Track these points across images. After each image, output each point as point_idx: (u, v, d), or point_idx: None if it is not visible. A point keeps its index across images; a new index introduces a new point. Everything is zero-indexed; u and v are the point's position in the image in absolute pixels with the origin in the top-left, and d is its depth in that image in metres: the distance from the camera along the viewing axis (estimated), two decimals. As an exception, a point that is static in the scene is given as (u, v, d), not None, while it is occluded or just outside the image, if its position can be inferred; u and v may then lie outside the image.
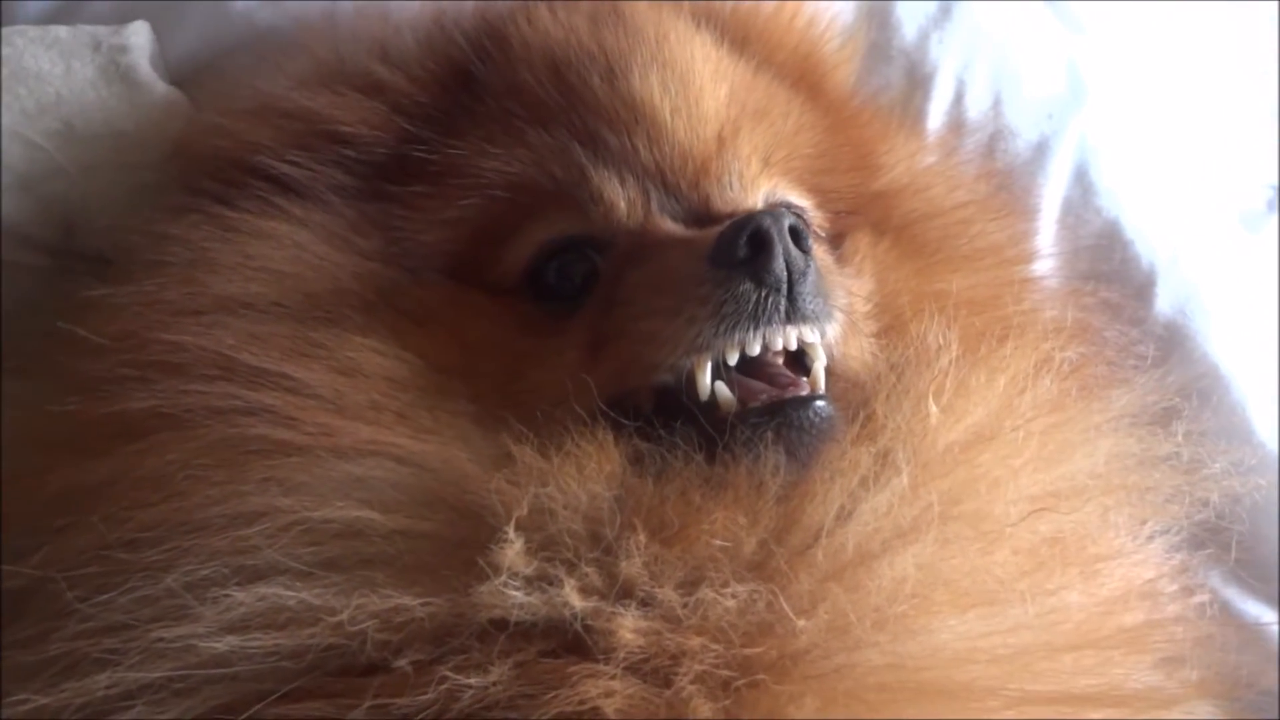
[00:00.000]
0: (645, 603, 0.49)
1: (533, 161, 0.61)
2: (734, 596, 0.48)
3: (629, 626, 0.48)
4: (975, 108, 0.85)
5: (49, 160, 0.71)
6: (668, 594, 0.49)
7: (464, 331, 0.59)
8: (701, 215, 0.60)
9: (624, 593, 0.49)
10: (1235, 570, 0.76)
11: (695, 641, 0.48)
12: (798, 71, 0.71)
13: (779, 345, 0.54)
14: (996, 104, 0.85)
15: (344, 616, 0.48)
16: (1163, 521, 0.65)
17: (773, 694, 0.48)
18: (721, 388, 0.53)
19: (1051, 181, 0.84)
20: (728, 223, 0.55)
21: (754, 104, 0.64)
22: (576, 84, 0.62)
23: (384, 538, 0.50)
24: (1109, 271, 0.82)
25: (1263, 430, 0.79)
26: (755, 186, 0.61)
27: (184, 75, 0.78)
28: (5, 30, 0.73)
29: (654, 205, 0.59)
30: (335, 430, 0.53)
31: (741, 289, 0.53)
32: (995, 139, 0.85)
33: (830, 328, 0.57)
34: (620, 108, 0.60)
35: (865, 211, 0.67)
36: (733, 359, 0.54)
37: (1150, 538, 0.64)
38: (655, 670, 0.48)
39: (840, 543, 0.51)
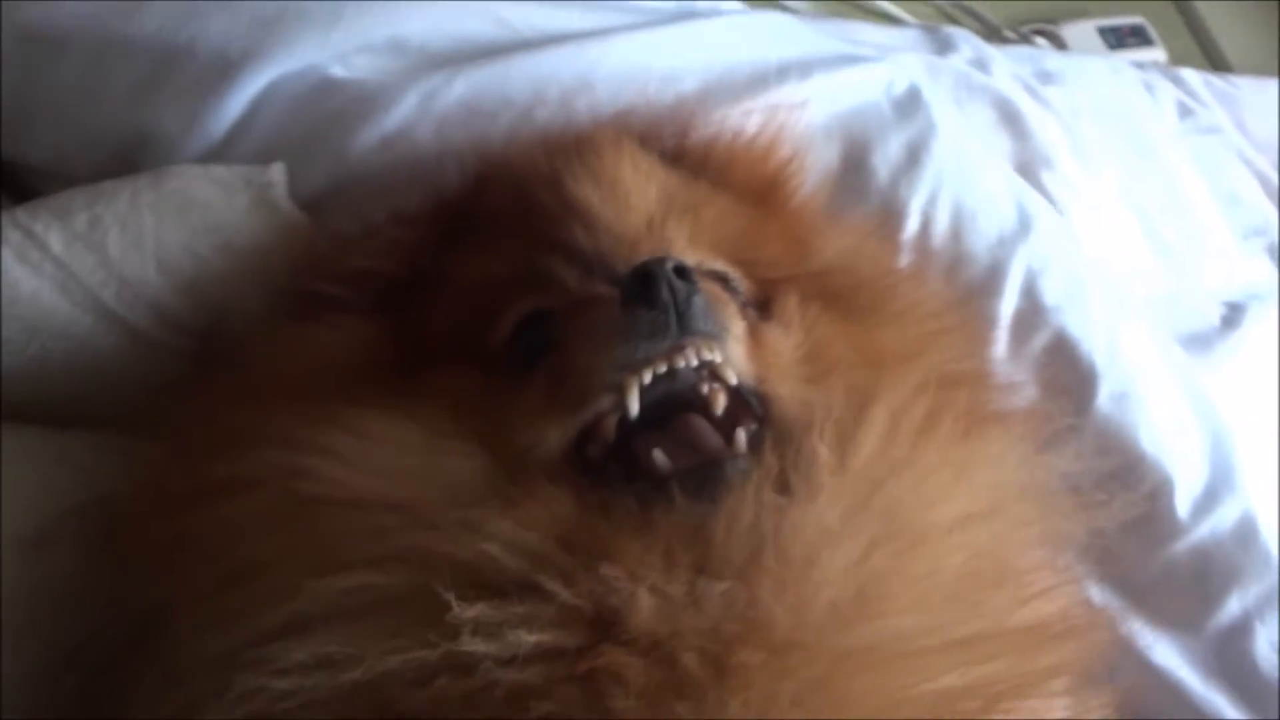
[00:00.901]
0: (653, 593, 0.58)
1: (506, 262, 0.78)
2: (716, 590, 0.59)
3: (645, 611, 0.58)
4: (938, 237, 1.01)
5: (212, 269, 0.92)
6: (671, 588, 0.59)
7: (459, 399, 0.72)
8: None
9: (603, 607, 0.59)
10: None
11: (692, 625, 0.58)
12: (745, 185, 0.87)
13: (684, 363, 0.66)
14: (956, 235, 1.01)
15: (371, 663, 0.58)
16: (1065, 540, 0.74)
17: (763, 672, 0.57)
18: (659, 454, 0.65)
19: (1004, 299, 0.99)
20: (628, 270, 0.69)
21: (684, 200, 0.79)
22: (533, 200, 0.79)
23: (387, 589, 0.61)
24: (1058, 372, 0.95)
25: (1181, 508, 0.90)
26: (684, 258, 0.73)
27: (310, 204, 0.99)
28: (170, 167, 0.96)
29: (595, 278, 0.73)
30: (355, 485, 0.66)
31: (640, 314, 0.67)
32: (955, 263, 1.00)
33: (728, 347, 0.69)
34: (562, 209, 0.77)
35: (797, 283, 0.80)
36: (648, 377, 0.66)
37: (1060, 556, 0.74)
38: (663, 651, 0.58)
39: (780, 548, 0.61)
